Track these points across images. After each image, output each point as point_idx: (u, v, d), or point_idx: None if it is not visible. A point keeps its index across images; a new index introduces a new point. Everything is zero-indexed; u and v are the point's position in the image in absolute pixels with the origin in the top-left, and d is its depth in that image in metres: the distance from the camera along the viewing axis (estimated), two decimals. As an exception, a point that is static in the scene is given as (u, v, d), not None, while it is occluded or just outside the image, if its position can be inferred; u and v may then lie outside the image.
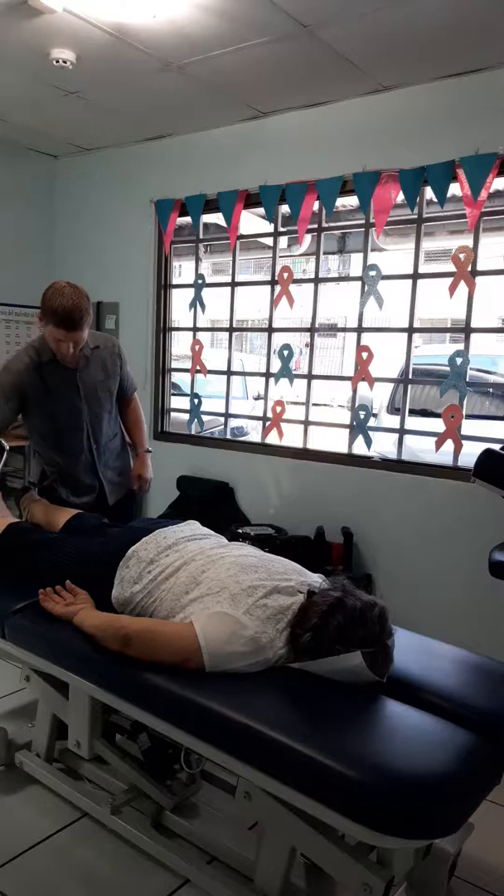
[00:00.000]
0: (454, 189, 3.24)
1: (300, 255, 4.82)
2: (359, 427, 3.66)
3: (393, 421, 4.01)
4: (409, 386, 3.64)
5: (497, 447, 2.53)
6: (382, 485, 3.56)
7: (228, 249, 4.20)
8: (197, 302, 4.25)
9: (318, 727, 1.51)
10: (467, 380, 3.31)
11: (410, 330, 3.50)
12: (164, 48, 3.04)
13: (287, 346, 3.95)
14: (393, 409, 4.78)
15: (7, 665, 2.32)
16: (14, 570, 2.27)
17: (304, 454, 3.88)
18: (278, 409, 3.96)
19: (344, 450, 3.77)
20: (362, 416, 3.66)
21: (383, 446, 3.76)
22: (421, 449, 3.64)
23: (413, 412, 3.91)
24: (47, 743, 2.27)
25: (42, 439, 2.74)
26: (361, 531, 3.61)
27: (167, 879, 1.89)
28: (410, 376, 3.64)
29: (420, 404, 4.42)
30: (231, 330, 4.23)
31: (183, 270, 5.40)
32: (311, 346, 3.91)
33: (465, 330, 3.31)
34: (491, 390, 5.03)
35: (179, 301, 4.48)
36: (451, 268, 3.27)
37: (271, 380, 4.00)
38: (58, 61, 3.13)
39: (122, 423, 2.94)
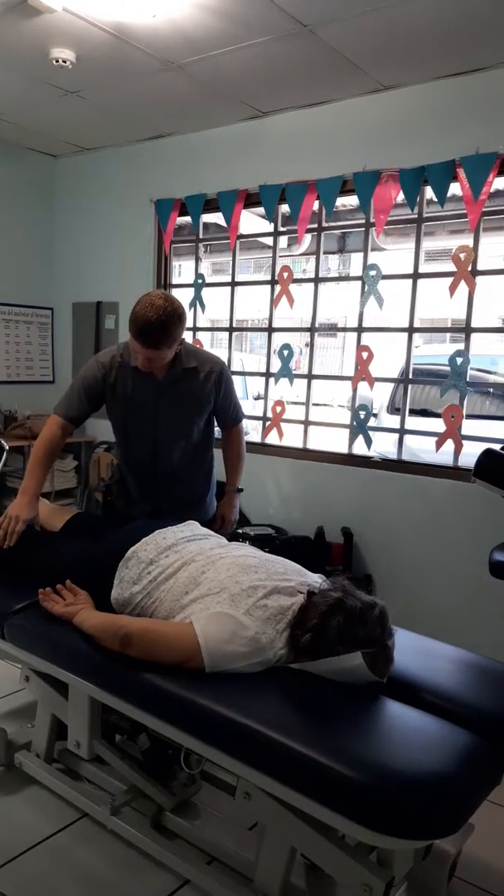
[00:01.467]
0: (454, 189, 3.24)
1: (300, 254, 4.82)
2: (359, 427, 3.65)
3: (393, 421, 4.01)
4: (410, 386, 3.64)
5: (497, 447, 2.53)
6: (382, 485, 3.56)
7: (228, 249, 4.20)
8: (197, 301, 4.25)
9: (318, 727, 1.50)
10: (467, 380, 3.31)
11: (410, 330, 3.50)
12: (164, 48, 3.04)
13: (287, 346, 3.95)
14: (393, 409, 4.77)
15: (7, 665, 2.32)
16: (14, 570, 2.26)
17: (304, 454, 3.88)
18: (278, 409, 3.96)
19: (344, 450, 3.77)
20: (362, 416, 3.66)
21: (383, 446, 3.76)
22: (421, 449, 3.64)
23: (413, 412, 3.90)
24: (47, 743, 2.26)
25: (116, 439, 2.62)
26: (361, 531, 3.60)
27: (167, 880, 1.89)
28: (410, 376, 3.64)
29: (420, 404, 4.41)
30: (231, 330, 4.23)
31: (183, 270, 5.39)
32: (311, 345, 3.91)
33: (465, 330, 3.30)
34: (491, 390, 5.02)
35: (179, 301, 4.46)
36: (451, 267, 3.27)
37: (271, 380, 4.00)
38: (57, 61, 3.13)
39: (223, 453, 2.71)
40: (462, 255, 3.22)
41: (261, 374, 4.11)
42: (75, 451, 4.80)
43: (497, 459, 2.42)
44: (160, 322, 2.20)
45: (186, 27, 2.85)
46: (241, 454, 2.73)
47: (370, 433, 3.64)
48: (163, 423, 2.46)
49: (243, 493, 2.81)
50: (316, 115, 3.63)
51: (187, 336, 4.33)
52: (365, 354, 3.59)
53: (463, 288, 3.25)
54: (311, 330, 3.87)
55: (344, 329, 8.42)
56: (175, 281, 4.55)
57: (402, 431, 3.59)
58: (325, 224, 3.78)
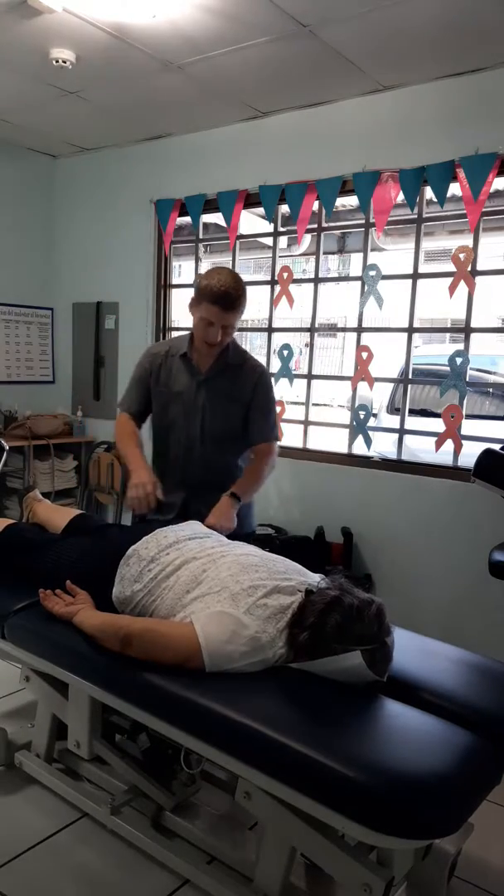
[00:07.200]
0: (454, 189, 3.24)
1: (300, 254, 4.82)
2: (359, 427, 3.65)
3: (393, 421, 4.01)
4: (409, 386, 3.64)
5: (497, 447, 2.53)
6: (382, 485, 3.56)
7: (228, 249, 4.20)
8: (197, 302, 4.24)
9: (318, 727, 1.50)
10: (467, 380, 3.31)
11: (410, 330, 3.50)
12: (163, 48, 3.04)
13: (287, 346, 3.95)
14: (393, 409, 4.78)
15: (7, 665, 2.32)
16: (14, 571, 2.26)
17: (304, 454, 3.88)
18: (278, 409, 3.95)
19: (344, 450, 3.77)
20: (362, 416, 3.66)
21: (383, 446, 3.76)
22: (421, 449, 3.64)
23: (413, 412, 3.91)
24: (47, 743, 2.26)
25: (154, 431, 2.60)
26: (361, 531, 3.61)
27: (167, 879, 1.89)
28: (410, 376, 3.64)
29: (420, 404, 4.42)
30: (231, 330, 4.22)
31: (183, 270, 5.40)
32: (310, 345, 3.90)
33: (465, 330, 3.30)
34: (491, 390, 5.03)
35: (179, 301, 4.47)
36: (451, 268, 3.27)
37: (271, 380, 4.00)
38: (57, 61, 3.13)
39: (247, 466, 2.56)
40: (462, 256, 3.22)
41: (261, 374, 4.10)
42: (75, 451, 4.80)
43: (497, 459, 2.43)
44: (235, 283, 2.35)
45: (186, 27, 2.85)
46: (258, 475, 2.51)
47: (370, 433, 3.64)
48: (203, 417, 2.48)
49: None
50: (316, 115, 3.63)
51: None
52: (365, 354, 3.59)
53: (462, 288, 3.25)
54: (311, 330, 3.87)
55: (344, 329, 8.43)
56: (175, 281, 4.55)
57: (402, 431, 3.59)
58: (324, 224, 3.77)
